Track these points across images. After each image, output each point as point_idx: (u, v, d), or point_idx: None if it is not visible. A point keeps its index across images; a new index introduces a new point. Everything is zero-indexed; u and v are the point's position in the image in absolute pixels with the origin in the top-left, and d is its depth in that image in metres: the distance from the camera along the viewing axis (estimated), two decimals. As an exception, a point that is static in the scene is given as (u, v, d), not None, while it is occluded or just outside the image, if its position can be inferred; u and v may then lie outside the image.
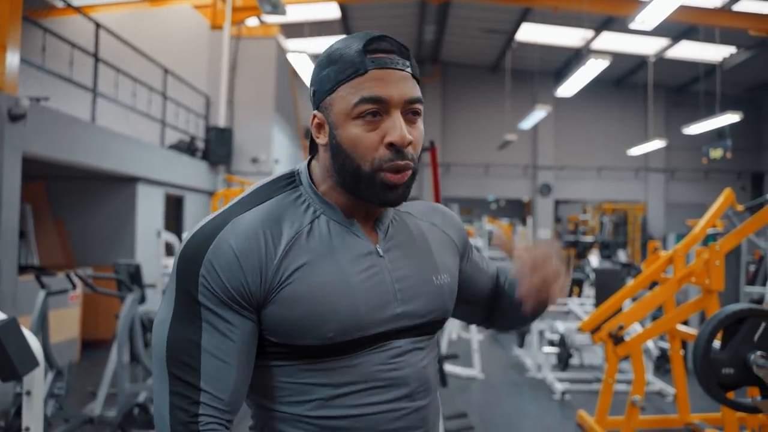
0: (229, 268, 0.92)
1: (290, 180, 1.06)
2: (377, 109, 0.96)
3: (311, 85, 1.04)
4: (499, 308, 1.30)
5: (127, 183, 7.80)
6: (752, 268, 7.87)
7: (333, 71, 0.98)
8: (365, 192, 0.99)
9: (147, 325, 4.29)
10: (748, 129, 16.30)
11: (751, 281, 7.65)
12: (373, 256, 1.02)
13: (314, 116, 1.03)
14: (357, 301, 0.97)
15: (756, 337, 2.39)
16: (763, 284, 7.48)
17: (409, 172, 0.99)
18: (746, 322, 2.41)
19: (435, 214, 1.20)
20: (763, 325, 2.39)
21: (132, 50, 7.88)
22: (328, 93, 0.99)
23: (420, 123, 1.02)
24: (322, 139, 1.02)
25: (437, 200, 4.83)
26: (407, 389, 1.01)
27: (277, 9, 8.00)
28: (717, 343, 2.44)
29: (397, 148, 0.96)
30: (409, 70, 1.00)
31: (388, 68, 0.97)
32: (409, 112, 0.99)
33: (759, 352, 2.36)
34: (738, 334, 2.41)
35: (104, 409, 3.97)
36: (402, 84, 0.98)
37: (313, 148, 1.09)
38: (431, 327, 1.07)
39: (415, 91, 1.00)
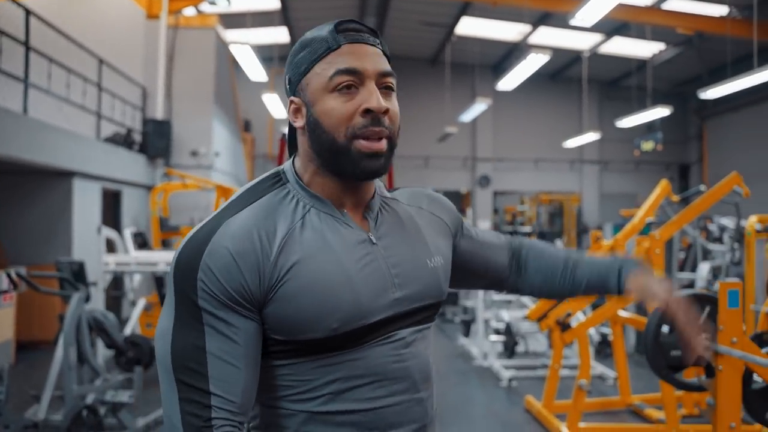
0: (227, 270, 0.92)
1: (276, 179, 1.06)
2: (352, 80, 0.98)
3: (286, 73, 1.05)
4: (529, 284, 1.35)
5: (62, 177, 7.51)
6: (682, 255, 8.25)
7: (307, 53, 1.00)
8: (344, 166, 0.99)
9: (92, 325, 4.15)
10: (675, 123, 17.01)
11: (681, 268, 8.03)
12: (366, 244, 1.03)
13: (291, 102, 1.04)
14: (357, 290, 0.98)
15: (701, 320, 2.51)
16: (693, 270, 7.85)
17: (386, 141, 1.00)
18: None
19: (422, 198, 1.21)
20: (707, 308, 2.52)
21: (65, 39, 7.57)
22: (304, 74, 1.01)
23: (395, 99, 1.03)
24: (299, 122, 1.03)
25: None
26: (411, 381, 1.03)
27: (223, -1, 7.82)
28: (666, 328, 2.56)
29: (373, 115, 0.97)
30: (380, 46, 1.02)
31: (359, 43, 1.00)
32: (383, 86, 1.01)
33: (704, 335, 2.48)
34: (685, 318, 2.53)
35: (49, 413, 3.83)
36: (375, 57, 1.00)
37: (293, 147, 1.10)
38: (430, 311, 1.09)
39: (387, 65, 1.02)
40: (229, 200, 1.02)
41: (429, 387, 1.07)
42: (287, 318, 0.95)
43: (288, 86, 1.04)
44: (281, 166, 1.09)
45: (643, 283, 1.20)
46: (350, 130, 0.97)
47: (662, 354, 2.50)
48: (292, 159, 1.09)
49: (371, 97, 0.98)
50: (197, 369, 0.91)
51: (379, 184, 1.13)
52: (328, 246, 0.99)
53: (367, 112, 0.97)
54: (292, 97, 1.03)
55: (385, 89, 1.01)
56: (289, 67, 1.03)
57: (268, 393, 1.01)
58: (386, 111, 0.99)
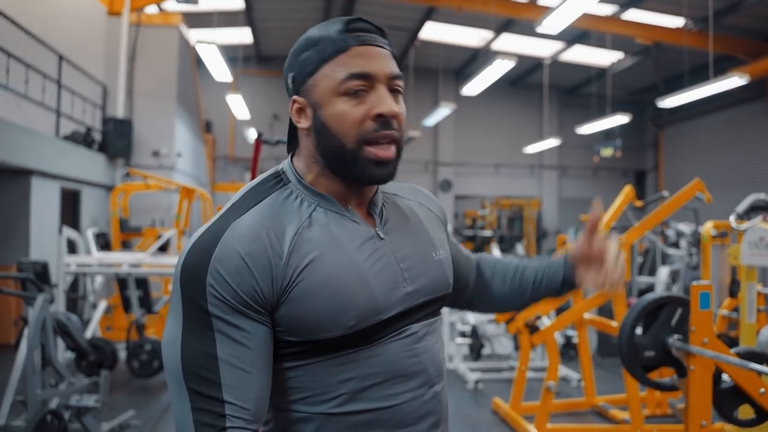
0: (238, 273, 0.90)
1: (277, 179, 1.04)
2: (364, 85, 0.97)
3: (288, 71, 1.02)
4: (489, 291, 1.35)
5: (19, 176, 7.29)
6: (640, 259, 8.46)
7: (314, 52, 0.98)
8: (351, 170, 0.99)
9: (55, 328, 4.04)
10: (632, 130, 17.42)
11: (639, 271, 8.23)
12: (374, 240, 1.02)
13: (294, 101, 1.02)
14: (371, 286, 0.97)
15: (673, 321, 2.59)
16: (651, 274, 8.06)
17: (395, 147, 1.00)
18: (665, 309, 2.61)
19: (419, 193, 1.23)
20: (679, 310, 2.60)
21: (25, 34, 7.35)
22: (310, 74, 0.99)
23: (402, 101, 1.03)
24: (304, 123, 1.01)
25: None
26: (426, 376, 1.03)
27: (190, -3, 7.71)
28: (639, 330, 2.62)
29: (384, 119, 0.97)
30: (388, 48, 1.02)
31: (370, 45, 0.98)
32: (392, 90, 1.00)
33: (676, 336, 2.56)
34: (657, 320, 2.60)
35: (10, 419, 3.71)
36: (385, 60, 0.99)
37: (292, 144, 1.08)
38: (438, 304, 1.10)
39: (397, 68, 1.01)
40: (231, 202, 1.00)
41: (442, 380, 1.08)
42: (302, 318, 0.93)
43: (291, 85, 1.02)
44: (279, 166, 1.08)
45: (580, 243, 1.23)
46: (361, 135, 0.97)
47: (636, 354, 2.56)
48: (290, 158, 1.07)
49: (382, 101, 0.97)
50: (209, 377, 0.88)
51: None
52: (337, 243, 0.98)
53: (379, 116, 0.97)
54: (296, 97, 1.01)
55: (394, 92, 1.01)
56: (293, 65, 1.01)
57: (281, 397, 0.99)
58: (396, 115, 0.99)
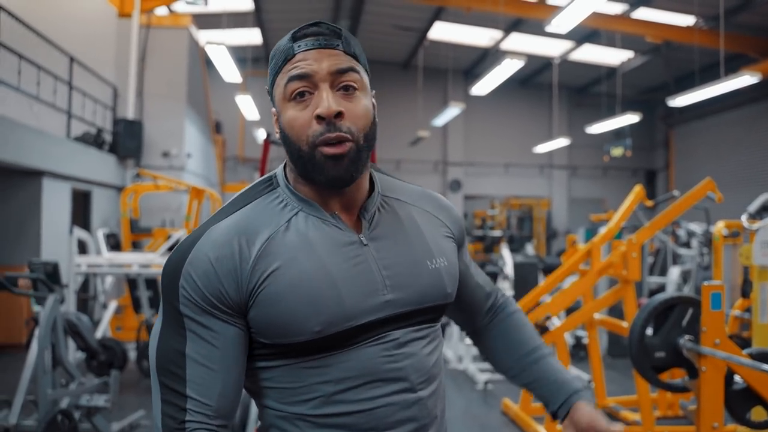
0: (206, 276, 0.94)
1: (268, 183, 1.06)
2: (305, 86, 0.97)
3: (268, 85, 1.06)
4: (494, 350, 1.31)
5: (31, 177, 7.34)
6: (651, 259, 8.41)
7: (273, 65, 1.02)
8: (312, 173, 0.98)
9: (66, 328, 4.06)
10: (642, 129, 17.33)
11: (650, 272, 8.18)
12: (356, 245, 1.01)
13: (273, 113, 1.05)
14: (340, 292, 0.96)
15: (684, 322, 2.57)
16: (661, 274, 8.01)
17: (348, 144, 0.96)
18: (675, 309, 2.58)
19: (428, 199, 1.18)
20: (690, 311, 2.57)
21: (36, 36, 7.41)
22: (272, 86, 1.03)
23: (360, 97, 1.00)
24: (279, 132, 1.04)
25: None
26: (407, 382, 1.00)
27: (199, -1, 7.73)
28: (650, 330, 2.61)
29: (327, 121, 0.95)
30: (340, 47, 0.99)
31: (315, 48, 0.98)
32: (341, 87, 0.98)
33: (687, 336, 2.53)
34: (668, 321, 2.58)
35: (21, 418, 3.74)
36: (329, 58, 0.98)
37: None
38: (431, 313, 1.06)
39: (345, 62, 0.98)
40: (223, 206, 1.04)
41: (430, 385, 1.04)
42: (269, 322, 0.95)
43: (270, 97, 1.06)
44: (275, 170, 1.09)
45: (585, 413, 1.17)
46: (311, 138, 0.96)
47: (647, 355, 2.54)
48: (284, 163, 1.09)
49: (321, 101, 0.96)
50: (177, 372, 0.94)
51: (380, 183, 1.11)
52: (310, 248, 0.98)
53: (318, 118, 0.96)
54: (273, 108, 1.05)
55: (345, 89, 0.98)
56: (268, 79, 1.05)
57: (262, 395, 1.02)
58: (339, 114, 0.96)
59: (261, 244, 0.97)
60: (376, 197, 1.08)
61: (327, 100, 0.95)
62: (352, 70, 0.99)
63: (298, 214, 1.01)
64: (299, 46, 0.98)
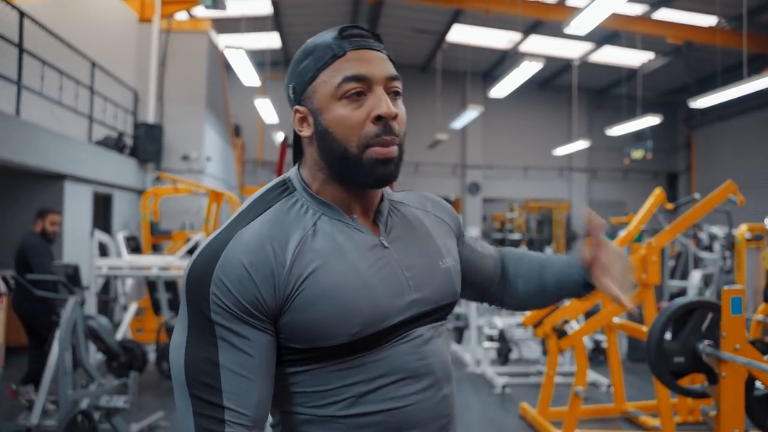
0: (240, 282, 0.91)
1: (284, 187, 1.05)
2: (361, 87, 0.97)
3: (289, 83, 1.04)
4: (513, 290, 1.33)
5: (53, 180, 7.44)
6: (672, 263, 8.31)
7: (311, 60, 1.00)
8: (356, 175, 0.99)
9: (86, 330, 4.11)
10: (663, 131, 17.14)
11: (671, 275, 8.09)
12: (378, 248, 1.03)
13: (296, 111, 1.03)
14: (375, 293, 0.97)
15: (704, 327, 2.53)
16: (683, 278, 7.92)
17: (397, 148, 0.99)
18: (695, 314, 2.55)
19: (427, 201, 1.22)
20: (710, 315, 2.54)
21: (58, 42, 7.52)
22: (309, 82, 1.00)
23: (401, 103, 1.03)
24: (306, 131, 1.02)
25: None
26: (434, 377, 1.03)
27: (217, 3, 7.80)
28: (669, 335, 2.57)
29: (384, 122, 0.97)
30: (384, 51, 1.02)
31: (365, 48, 0.99)
32: (391, 92, 1.00)
33: (707, 341, 2.50)
34: (687, 325, 2.55)
35: (42, 418, 3.79)
36: (381, 62, 1.00)
37: (298, 155, 1.09)
38: (444, 311, 1.10)
39: (394, 69, 1.02)
40: (239, 211, 1.02)
41: (450, 382, 1.07)
42: (305, 326, 0.94)
43: (292, 95, 1.03)
44: (286, 174, 1.09)
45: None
46: (363, 139, 0.97)
47: (665, 360, 2.51)
48: (297, 167, 1.08)
49: (381, 102, 0.97)
50: (211, 383, 0.91)
51: (386, 188, 1.13)
52: (341, 252, 0.98)
53: (379, 118, 0.97)
54: (298, 107, 1.03)
55: (393, 94, 1.01)
56: (292, 75, 1.03)
57: (287, 400, 1.00)
58: (396, 116, 0.99)
59: (294, 248, 0.96)
60: (386, 203, 1.11)
61: (388, 102, 0.97)
62: (399, 78, 1.02)
63: (321, 218, 1.01)
64: (349, 44, 0.98)
